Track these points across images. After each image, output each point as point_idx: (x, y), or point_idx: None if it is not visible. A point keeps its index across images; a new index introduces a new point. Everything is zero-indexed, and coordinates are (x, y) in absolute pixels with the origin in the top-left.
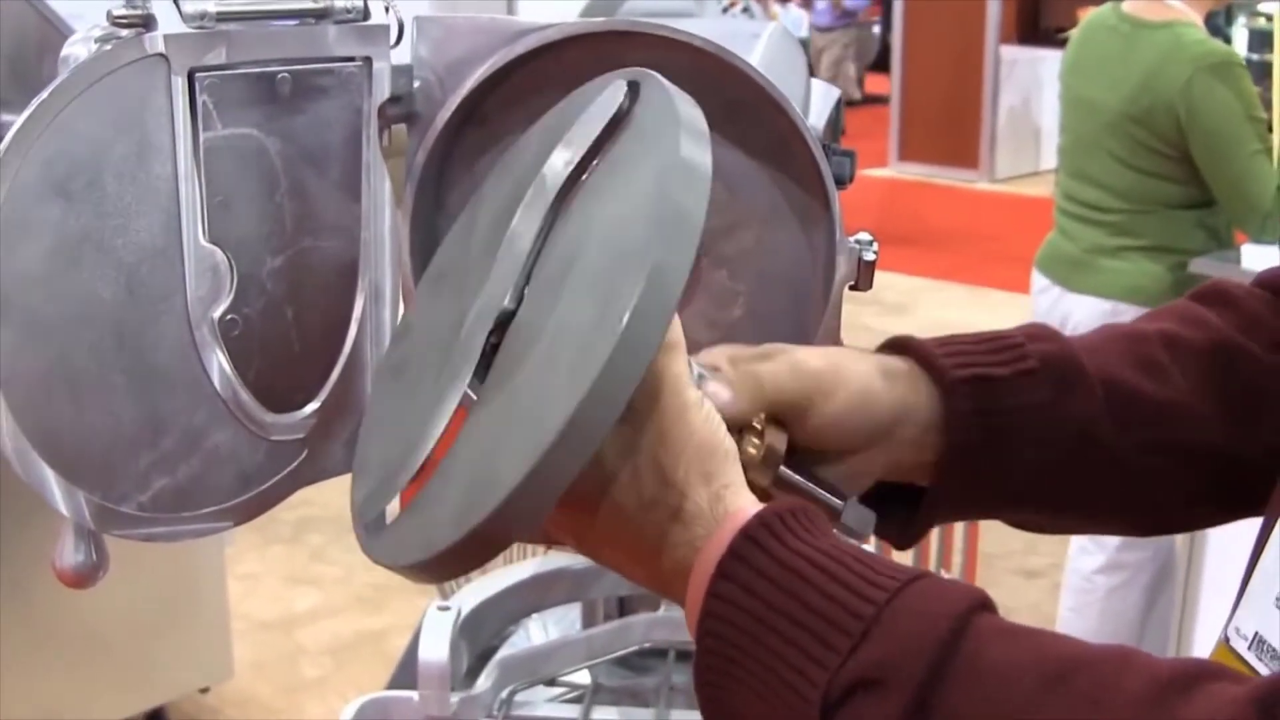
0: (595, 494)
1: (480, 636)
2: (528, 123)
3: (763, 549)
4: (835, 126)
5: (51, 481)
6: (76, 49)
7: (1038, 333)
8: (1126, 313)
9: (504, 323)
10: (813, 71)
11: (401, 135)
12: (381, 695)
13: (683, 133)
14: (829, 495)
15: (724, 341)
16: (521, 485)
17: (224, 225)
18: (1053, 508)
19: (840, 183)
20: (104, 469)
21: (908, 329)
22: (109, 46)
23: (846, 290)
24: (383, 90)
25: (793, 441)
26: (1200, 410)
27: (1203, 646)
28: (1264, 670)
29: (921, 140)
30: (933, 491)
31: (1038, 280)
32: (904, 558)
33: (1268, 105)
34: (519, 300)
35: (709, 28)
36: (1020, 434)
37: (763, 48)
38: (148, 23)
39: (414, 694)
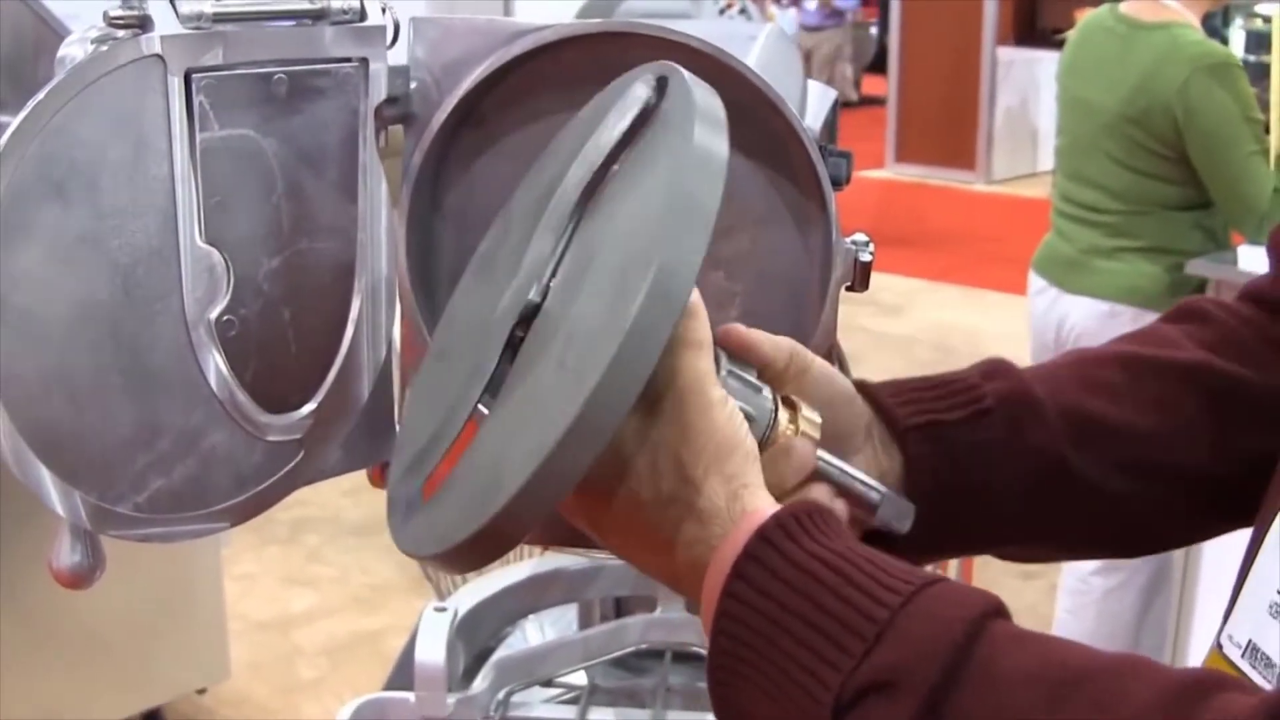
0: (614, 484)
1: (477, 637)
2: (525, 124)
3: (778, 550)
4: (831, 128)
5: (48, 482)
6: (73, 50)
7: (993, 369)
8: (1124, 313)
9: (530, 315)
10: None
11: (398, 136)
12: (378, 696)
13: (697, 120)
14: (867, 486)
15: None
16: (531, 480)
17: (220, 226)
18: (1033, 539)
19: (837, 184)
20: (100, 469)
21: (904, 330)
22: (105, 47)
23: (843, 291)
24: (379, 91)
25: None
26: (1165, 428)
27: (1199, 647)
28: (1259, 678)
29: (918, 141)
30: (906, 537)
31: (1035, 281)
32: None
33: (1265, 106)
34: (544, 294)
35: (706, 29)
36: (981, 471)
37: (759, 49)
38: (144, 24)
39: (410, 695)
